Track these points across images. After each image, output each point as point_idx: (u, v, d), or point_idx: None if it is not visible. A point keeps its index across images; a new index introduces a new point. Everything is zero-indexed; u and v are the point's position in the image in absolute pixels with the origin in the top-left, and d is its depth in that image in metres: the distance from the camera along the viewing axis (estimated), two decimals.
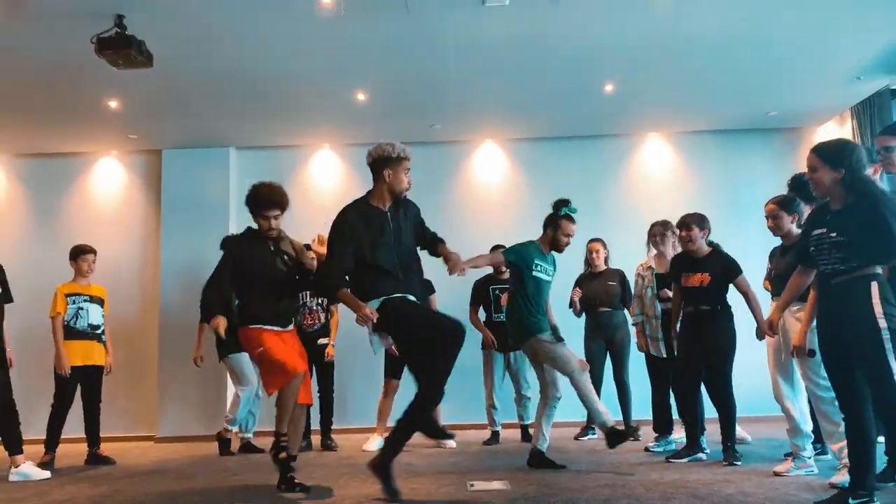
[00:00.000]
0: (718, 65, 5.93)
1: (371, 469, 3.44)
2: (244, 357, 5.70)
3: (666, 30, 5.25)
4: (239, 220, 7.14)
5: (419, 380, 3.42)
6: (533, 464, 4.40)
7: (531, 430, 5.09)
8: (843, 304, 3.01)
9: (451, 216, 7.48)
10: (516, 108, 6.84)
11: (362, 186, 3.77)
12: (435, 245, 3.79)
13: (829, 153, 3.07)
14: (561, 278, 5.73)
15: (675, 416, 5.01)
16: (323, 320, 5.90)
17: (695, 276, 4.50)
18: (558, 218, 4.49)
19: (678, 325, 4.77)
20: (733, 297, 4.49)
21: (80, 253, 5.56)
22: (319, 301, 5.88)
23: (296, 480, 3.79)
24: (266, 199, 4.03)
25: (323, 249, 3.85)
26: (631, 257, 5.80)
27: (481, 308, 6.05)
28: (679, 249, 4.91)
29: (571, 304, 5.86)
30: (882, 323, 2.90)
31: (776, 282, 4.10)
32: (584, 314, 5.94)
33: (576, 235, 6.02)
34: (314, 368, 5.65)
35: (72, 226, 7.51)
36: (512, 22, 5.04)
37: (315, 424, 5.86)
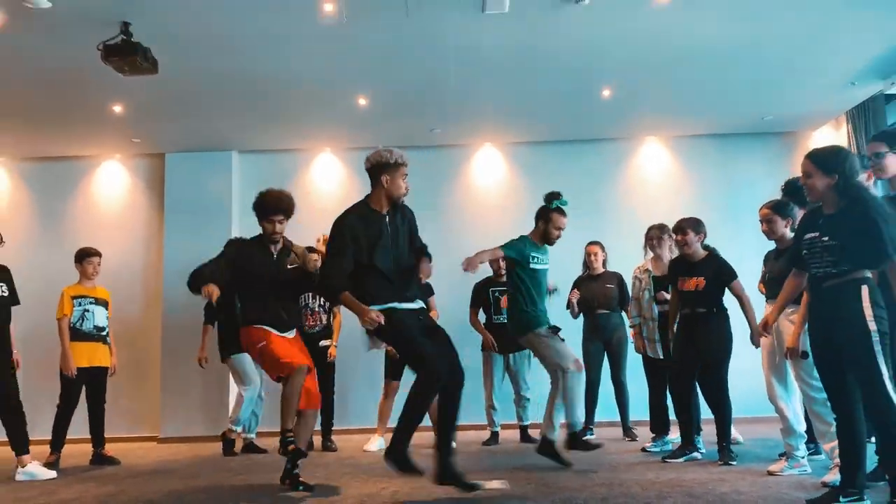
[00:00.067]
0: (714, 70, 6.01)
1: (390, 460, 3.45)
2: (246, 358, 5.78)
3: (663, 36, 5.32)
4: (241, 223, 7.22)
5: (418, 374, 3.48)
6: (571, 446, 4.45)
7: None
8: (834, 307, 3.08)
9: (450, 219, 7.58)
10: (515, 113, 6.92)
11: (363, 190, 3.84)
12: (418, 255, 3.82)
13: (823, 159, 3.14)
14: (560, 280, 5.84)
15: (673, 416, 5.08)
16: (324, 322, 5.97)
17: (690, 280, 4.57)
18: (549, 211, 4.57)
19: (675, 327, 4.85)
20: (730, 299, 4.56)
21: (85, 255, 5.63)
22: (321, 303, 5.94)
23: (300, 479, 3.85)
24: (273, 205, 4.12)
25: None
26: (629, 260, 5.87)
27: (481, 310, 6.12)
28: (676, 253, 5.00)
29: (569, 306, 5.96)
30: (872, 325, 2.97)
31: (770, 285, 4.18)
32: (582, 316, 6.03)
33: (575, 238, 6.15)
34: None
35: (76, 228, 7.58)
36: (511, 28, 5.12)
37: (316, 425, 5.92)
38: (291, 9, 4.74)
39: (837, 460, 3.41)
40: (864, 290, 3.02)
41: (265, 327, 4.00)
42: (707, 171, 7.63)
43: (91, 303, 5.56)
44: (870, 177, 3.75)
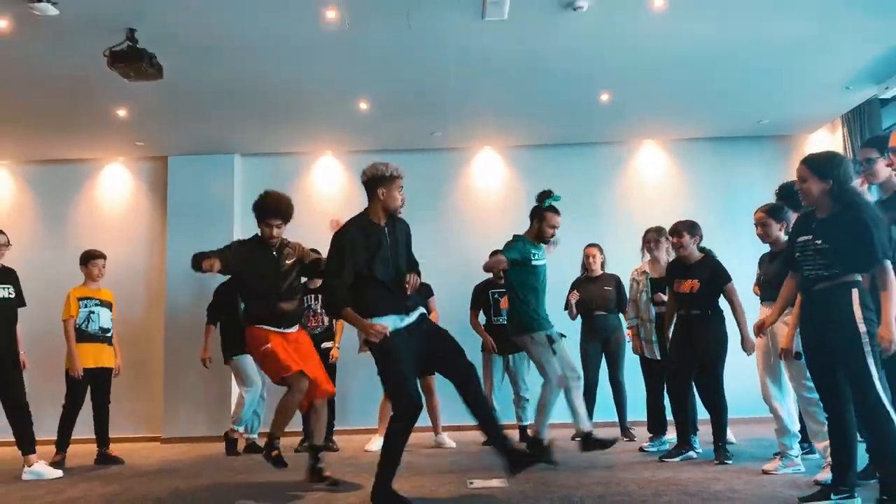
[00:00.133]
0: (711, 75, 6.07)
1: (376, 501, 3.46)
2: (248, 359, 5.85)
3: (660, 41, 5.38)
4: (243, 225, 7.29)
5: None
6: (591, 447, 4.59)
7: (529, 431, 5.24)
8: (825, 310, 3.16)
9: (450, 221, 7.65)
10: (514, 117, 6.98)
11: (363, 193, 3.86)
12: (409, 268, 3.84)
13: (818, 165, 3.21)
14: (558, 282, 5.90)
15: (670, 416, 5.15)
16: (326, 323, 6.03)
17: (685, 282, 4.65)
18: (543, 210, 4.64)
19: (671, 329, 4.93)
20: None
21: (90, 258, 5.70)
22: (324, 303, 6.00)
23: (325, 473, 3.94)
24: (272, 208, 4.17)
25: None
26: (626, 262, 5.93)
27: (481, 312, 6.19)
28: (673, 255, 5.07)
29: (567, 307, 6.03)
30: (862, 327, 3.05)
31: (765, 287, 4.25)
32: (580, 317, 6.10)
33: (573, 240, 6.23)
34: None
35: (79, 231, 7.65)
36: (509, 34, 5.18)
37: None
38: (294, 15, 4.80)
39: (830, 459, 3.48)
40: (855, 292, 3.09)
41: (267, 327, 4.07)
42: (704, 174, 7.69)
43: (96, 304, 5.63)
44: (863, 182, 3.83)
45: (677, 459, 4.64)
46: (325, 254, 4.23)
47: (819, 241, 3.17)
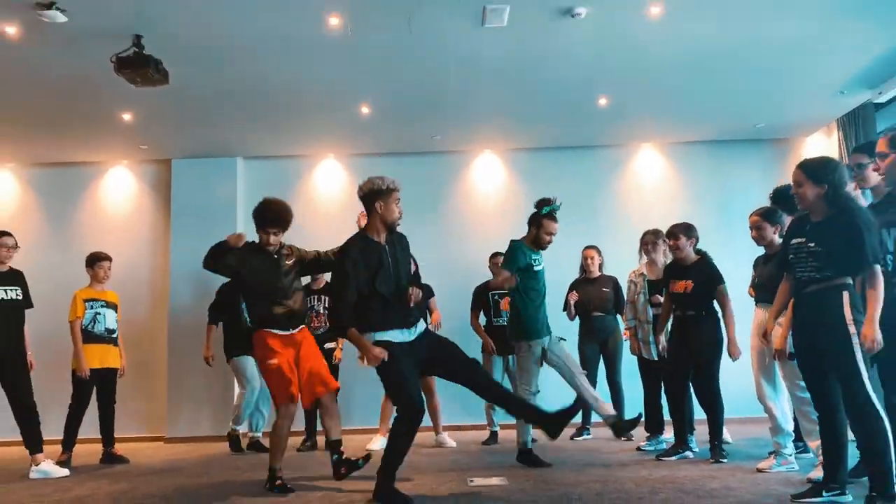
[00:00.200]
0: (708, 79, 6.15)
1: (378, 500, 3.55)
2: (249, 361, 5.97)
3: (657, 46, 5.46)
4: (246, 227, 7.30)
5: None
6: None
7: (517, 444, 5.34)
8: (817, 312, 3.23)
9: (450, 223, 7.74)
10: (514, 120, 7.07)
11: None
12: (410, 282, 3.89)
13: (814, 170, 3.29)
14: (557, 283, 5.98)
15: (667, 416, 5.22)
16: (328, 324, 6.10)
17: (680, 283, 4.74)
18: (541, 217, 4.71)
19: (666, 329, 5.02)
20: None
21: (96, 260, 5.77)
22: (326, 305, 6.08)
23: (350, 459, 4.05)
24: (271, 216, 4.21)
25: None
26: (624, 264, 6.00)
27: (482, 313, 6.26)
28: (670, 258, 5.15)
29: (566, 308, 6.11)
30: (852, 329, 3.12)
31: (759, 289, 4.33)
32: (578, 318, 6.18)
33: (572, 242, 6.31)
34: None
35: (84, 233, 7.73)
36: (509, 40, 5.27)
37: (320, 426, 6.06)
38: (297, 21, 4.88)
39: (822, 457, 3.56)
40: (846, 295, 3.17)
41: (272, 331, 4.12)
42: (701, 177, 7.76)
43: (102, 306, 5.71)
44: (856, 187, 3.91)
45: (674, 458, 4.71)
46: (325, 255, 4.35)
47: (812, 244, 3.24)
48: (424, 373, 5.49)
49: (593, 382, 6.06)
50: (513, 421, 6.20)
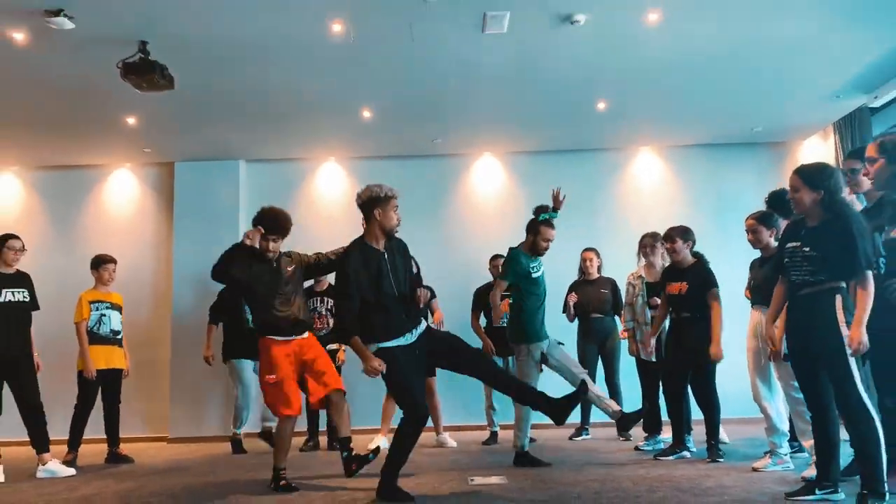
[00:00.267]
0: (705, 83, 6.23)
1: (382, 498, 3.59)
2: (246, 364, 6.08)
3: (655, 51, 5.53)
4: (248, 229, 7.41)
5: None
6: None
7: (513, 446, 5.40)
8: (810, 315, 3.30)
9: (450, 225, 7.81)
10: (513, 124, 7.14)
11: None
12: (413, 285, 3.96)
13: (810, 175, 3.35)
14: (556, 285, 6.05)
15: (665, 417, 5.29)
16: (331, 325, 6.16)
17: (675, 285, 4.81)
18: (538, 224, 4.77)
19: (660, 331, 5.10)
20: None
21: (101, 262, 5.84)
22: (329, 306, 6.14)
23: (360, 454, 4.08)
24: (270, 223, 4.24)
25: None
26: (623, 267, 6.08)
27: (482, 315, 6.31)
28: (668, 260, 5.22)
29: (566, 309, 6.18)
30: (845, 331, 3.20)
31: (755, 291, 4.40)
32: (577, 319, 6.25)
33: (571, 244, 6.38)
34: None
35: (88, 235, 7.80)
36: (509, 46, 5.34)
37: (322, 426, 6.14)
38: (300, 26, 4.95)
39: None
40: (838, 298, 3.24)
41: (277, 338, 4.16)
42: (699, 180, 7.83)
43: (107, 307, 5.77)
44: (850, 192, 3.98)
45: (671, 458, 4.77)
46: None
47: (807, 249, 3.31)
48: (429, 370, 5.57)
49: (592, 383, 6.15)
50: (512, 422, 6.30)
